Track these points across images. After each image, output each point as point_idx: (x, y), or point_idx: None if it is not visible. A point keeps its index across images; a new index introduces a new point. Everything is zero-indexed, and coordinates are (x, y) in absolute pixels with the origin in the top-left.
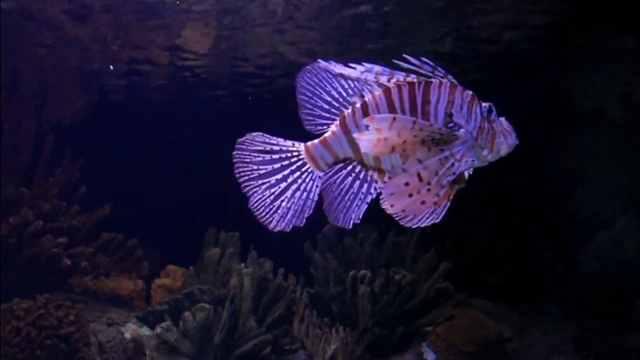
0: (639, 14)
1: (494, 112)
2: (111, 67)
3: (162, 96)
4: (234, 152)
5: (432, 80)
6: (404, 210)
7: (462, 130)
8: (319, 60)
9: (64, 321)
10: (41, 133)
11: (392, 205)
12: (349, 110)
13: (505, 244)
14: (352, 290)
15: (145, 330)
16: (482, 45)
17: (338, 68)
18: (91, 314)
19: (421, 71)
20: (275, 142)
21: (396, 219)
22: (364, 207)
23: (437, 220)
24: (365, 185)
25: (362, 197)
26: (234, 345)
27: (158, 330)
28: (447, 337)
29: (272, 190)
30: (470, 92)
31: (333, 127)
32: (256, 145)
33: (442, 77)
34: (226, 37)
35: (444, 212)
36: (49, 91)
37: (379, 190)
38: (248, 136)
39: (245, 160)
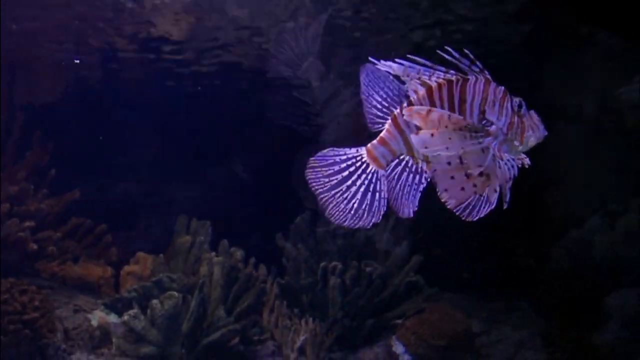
0: (617, 13)
1: (524, 107)
2: (76, 58)
3: (133, 81)
4: (307, 171)
5: (468, 77)
6: (460, 203)
7: (493, 127)
8: (370, 58)
9: (29, 306)
10: (11, 114)
11: (448, 199)
12: (397, 110)
13: (478, 239)
14: (322, 282)
15: (112, 318)
16: (460, 41)
17: (386, 65)
18: (58, 300)
19: (460, 65)
20: (342, 153)
21: (456, 213)
22: (419, 195)
23: (492, 208)
24: (417, 176)
25: (416, 187)
26: (202, 334)
27: (125, 317)
28: (417, 330)
29: (345, 196)
30: (502, 88)
31: (387, 126)
32: (327, 161)
33: (479, 73)
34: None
35: (495, 201)
36: (19, 71)
37: (428, 179)
38: (319, 154)
39: (318, 176)
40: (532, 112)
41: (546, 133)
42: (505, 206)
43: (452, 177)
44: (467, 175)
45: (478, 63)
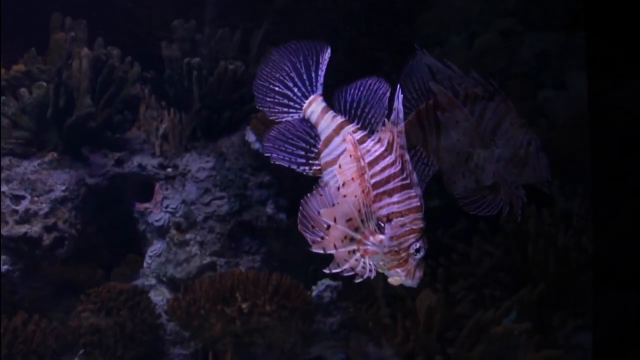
0: (602, 16)
1: (534, 146)
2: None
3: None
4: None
5: (494, 98)
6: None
7: (497, 150)
8: (416, 45)
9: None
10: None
11: (456, 191)
12: (424, 106)
13: (464, 241)
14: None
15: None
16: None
17: (432, 60)
18: (47, 302)
19: (488, 87)
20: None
21: (460, 204)
22: (424, 186)
23: (494, 212)
24: (427, 168)
25: (424, 178)
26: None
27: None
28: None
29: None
30: (521, 121)
31: (410, 119)
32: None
33: (502, 100)
34: None
35: (500, 206)
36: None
37: (433, 173)
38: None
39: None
40: (542, 154)
41: (549, 178)
42: (518, 219)
43: (452, 167)
44: (463, 175)
45: (501, 93)
